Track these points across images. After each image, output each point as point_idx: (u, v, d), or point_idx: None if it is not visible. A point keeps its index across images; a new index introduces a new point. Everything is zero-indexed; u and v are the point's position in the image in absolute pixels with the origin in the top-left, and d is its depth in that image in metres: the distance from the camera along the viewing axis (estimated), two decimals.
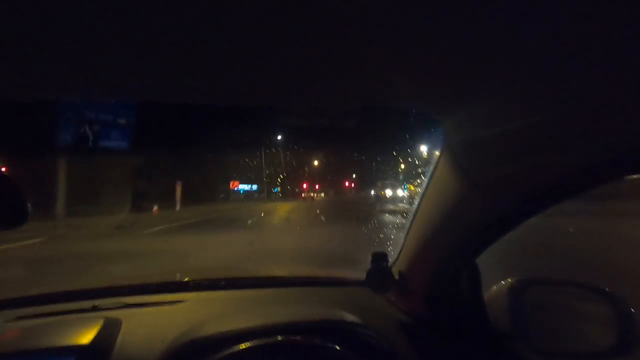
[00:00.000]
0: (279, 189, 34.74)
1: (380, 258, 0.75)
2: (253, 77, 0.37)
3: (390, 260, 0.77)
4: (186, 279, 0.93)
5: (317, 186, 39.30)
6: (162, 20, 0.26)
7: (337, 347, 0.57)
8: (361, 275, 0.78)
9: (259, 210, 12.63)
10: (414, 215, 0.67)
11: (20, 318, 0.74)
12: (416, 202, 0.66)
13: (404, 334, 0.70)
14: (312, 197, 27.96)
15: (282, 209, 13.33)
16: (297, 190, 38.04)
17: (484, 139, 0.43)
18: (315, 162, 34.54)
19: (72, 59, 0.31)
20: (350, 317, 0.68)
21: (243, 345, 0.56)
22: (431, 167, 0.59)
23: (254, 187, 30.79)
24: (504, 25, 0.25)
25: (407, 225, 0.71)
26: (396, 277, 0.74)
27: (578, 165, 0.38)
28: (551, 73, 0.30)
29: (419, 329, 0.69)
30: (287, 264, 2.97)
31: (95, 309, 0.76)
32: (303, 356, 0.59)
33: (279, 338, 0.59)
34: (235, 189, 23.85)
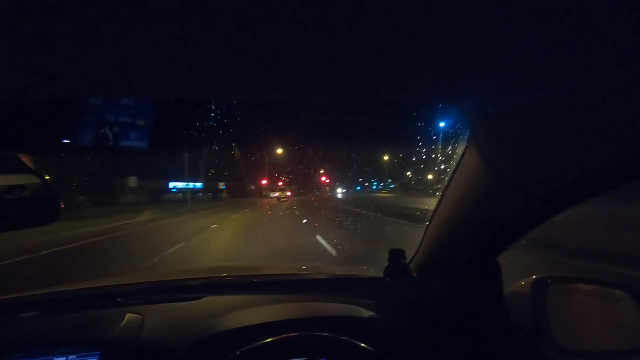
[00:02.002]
0: (226, 185, 31.09)
1: (397, 255, 0.79)
2: (277, 73, 0.38)
3: (408, 257, 0.80)
4: (204, 281, 1.01)
5: (280, 182, 35.78)
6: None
7: (354, 342, 0.63)
8: (379, 272, 0.83)
9: None
10: (435, 211, 0.69)
11: (47, 313, 0.81)
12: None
13: (421, 331, 0.73)
14: (288, 197, 25.68)
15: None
16: (253, 187, 33.89)
17: (513, 132, 0.45)
18: (279, 151, 30.79)
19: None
20: (367, 313, 0.74)
21: (262, 340, 0.62)
22: (455, 161, 0.61)
23: (196, 184, 27.41)
24: (533, 17, 0.28)
25: (427, 222, 0.72)
26: (414, 273, 0.77)
27: (609, 161, 0.40)
28: (579, 67, 0.33)
29: (438, 326, 0.73)
30: (307, 262, 3.00)
31: (118, 304, 0.83)
32: (321, 350, 0.64)
33: (298, 333, 0.65)
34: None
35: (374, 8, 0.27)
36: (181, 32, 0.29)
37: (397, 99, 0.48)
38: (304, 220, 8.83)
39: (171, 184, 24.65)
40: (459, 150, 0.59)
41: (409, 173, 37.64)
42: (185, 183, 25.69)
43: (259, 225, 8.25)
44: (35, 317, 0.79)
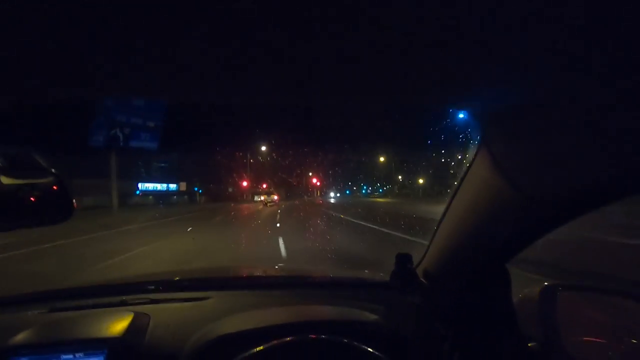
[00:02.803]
0: (201, 188, 28.54)
1: (404, 259, 0.79)
2: (292, 76, 0.39)
3: (415, 261, 0.81)
4: (212, 277, 1.09)
5: (265, 185, 33.26)
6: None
7: (360, 346, 0.64)
8: (386, 276, 0.84)
9: None
10: (443, 215, 0.69)
11: (53, 310, 0.84)
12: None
13: (428, 336, 0.74)
14: (275, 201, 23.35)
15: None
16: (232, 190, 31.19)
17: (525, 137, 0.46)
18: (265, 150, 28.52)
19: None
20: (373, 317, 0.76)
21: (268, 343, 0.64)
22: (465, 165, 0.61)
23: (170, 186, 24.97)
24: (552, 21, 0.28)
25: (435, 226, 0.73)
26: (421, 278, 0.78)
27: (622, 169, 0.40)
28: (598, 77, 0.33)
29: (444, 333, 0.73)
30: (312, 264, 2.96)
31: (124, 303, 0.86)
32: (326, 354, 0.65)
33: (303, 336, 0.66)
34: None
35: (383, 17, 0.27)
36: (196, 38, 0.30)
37: (407, 104, 0.47)
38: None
39: (140, 186, 22.13)
40: (468, 155, 0.58)
41: (400, 177, 36.80)
42: (156, 185, 23.27)
43: None
44: (43, 314, 0.81)
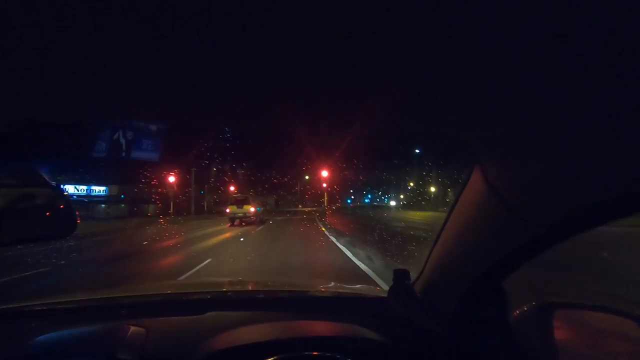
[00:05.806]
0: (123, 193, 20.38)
1: (402, 275, 0.88)
2: (294, 105, 0.44)
3: (413, 277, 0.93)
4: (208, 296, 1.14)
5: (233, 187, 24.63)
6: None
7: None
8: (383, 292, 0.97)
9: None
10: (439, 233, 0.79)
11: (50, 324, 0.93)
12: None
13: (425, 353, 0.84)
14: (252, 214, 14.92)
15: None
16: (156, 202, 21.06)
17: (517, 159, 0.52)
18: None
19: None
20: (370, 334, 0.83)
21: (265, 359, 0.71)
22: (460, 186, 0.71)
23: (94, 189, 17.22)
24: (542, 51, 0.30)
25: (432, 243, 0.83)
26: (418, 294, 0.88)
27: (618, 190, 0.44)
28: (587, 102, 0.37)
29: (441, 350, 0.82)
30: (309, 278, 3.28)
31: (122, 316, 0.97)
32: None
33: (301, 353, 0.72)
34: None
35: (379, 45, 0.30)
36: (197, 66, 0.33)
37: (402, 130, 0.51)
38: None
39: None
40: (463, 174, 0.67)
41: (411, 184, 30.63)
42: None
43: None
44: (42, 327, 0.90)
